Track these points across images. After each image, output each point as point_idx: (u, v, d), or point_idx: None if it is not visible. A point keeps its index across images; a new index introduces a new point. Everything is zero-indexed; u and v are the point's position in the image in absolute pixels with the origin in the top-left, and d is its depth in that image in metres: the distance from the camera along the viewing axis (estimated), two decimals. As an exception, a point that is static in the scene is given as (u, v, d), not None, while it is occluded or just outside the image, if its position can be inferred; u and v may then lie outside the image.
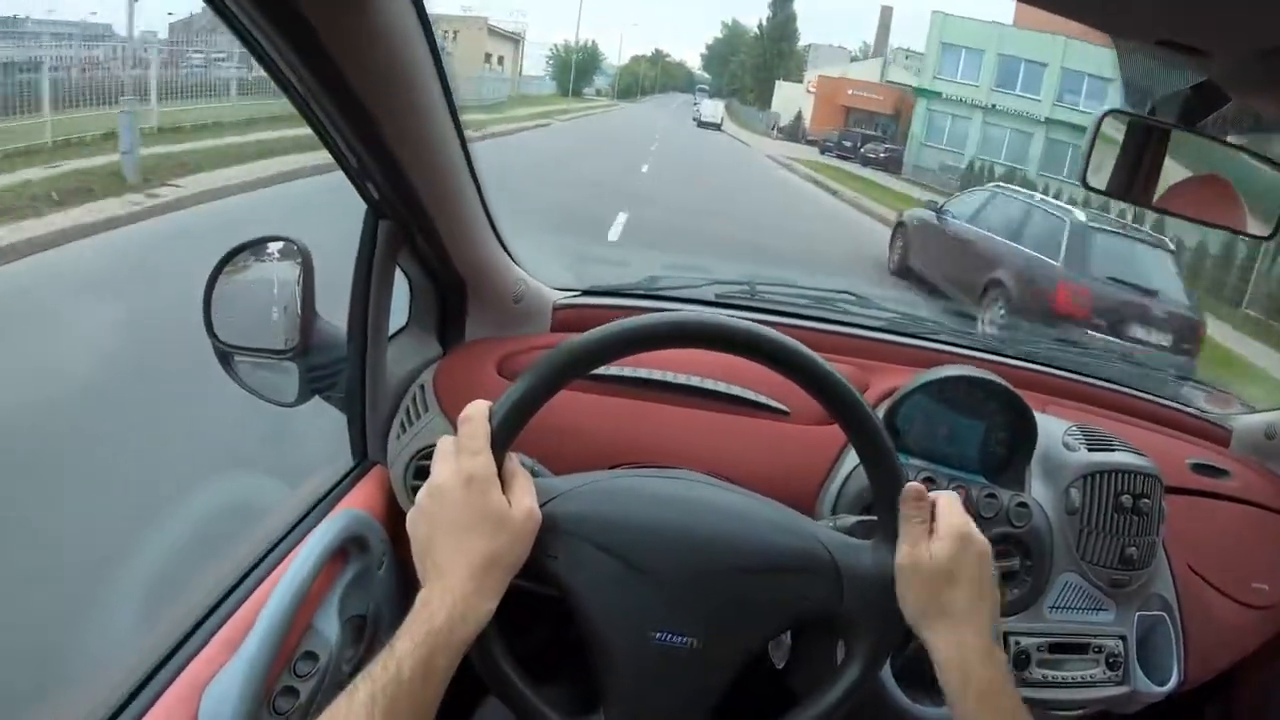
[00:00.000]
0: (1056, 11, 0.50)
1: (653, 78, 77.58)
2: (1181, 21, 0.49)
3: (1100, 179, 0.77)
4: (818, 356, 0.61)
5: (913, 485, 0.61)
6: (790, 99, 37.54)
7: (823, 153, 25.94)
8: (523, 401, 0.59)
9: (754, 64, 51.96)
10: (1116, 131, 0.76)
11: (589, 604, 0.59)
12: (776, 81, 43.82)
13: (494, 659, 0.58)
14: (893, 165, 23.01)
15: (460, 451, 0.57)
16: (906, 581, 0.59)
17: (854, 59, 43.28)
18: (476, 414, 0.58)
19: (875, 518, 0.63)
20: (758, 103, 45.16)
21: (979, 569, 0.59)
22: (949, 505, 0.61)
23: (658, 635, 0.58)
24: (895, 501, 0.61)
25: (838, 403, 0.62)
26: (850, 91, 32.01)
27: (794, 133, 33.16)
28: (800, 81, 41.13)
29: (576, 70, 47.74)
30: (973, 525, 0.60)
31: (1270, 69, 0.52)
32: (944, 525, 0.60)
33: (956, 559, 0.59)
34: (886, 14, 40.75)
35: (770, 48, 51.31)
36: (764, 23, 53.09)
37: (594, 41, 50.68)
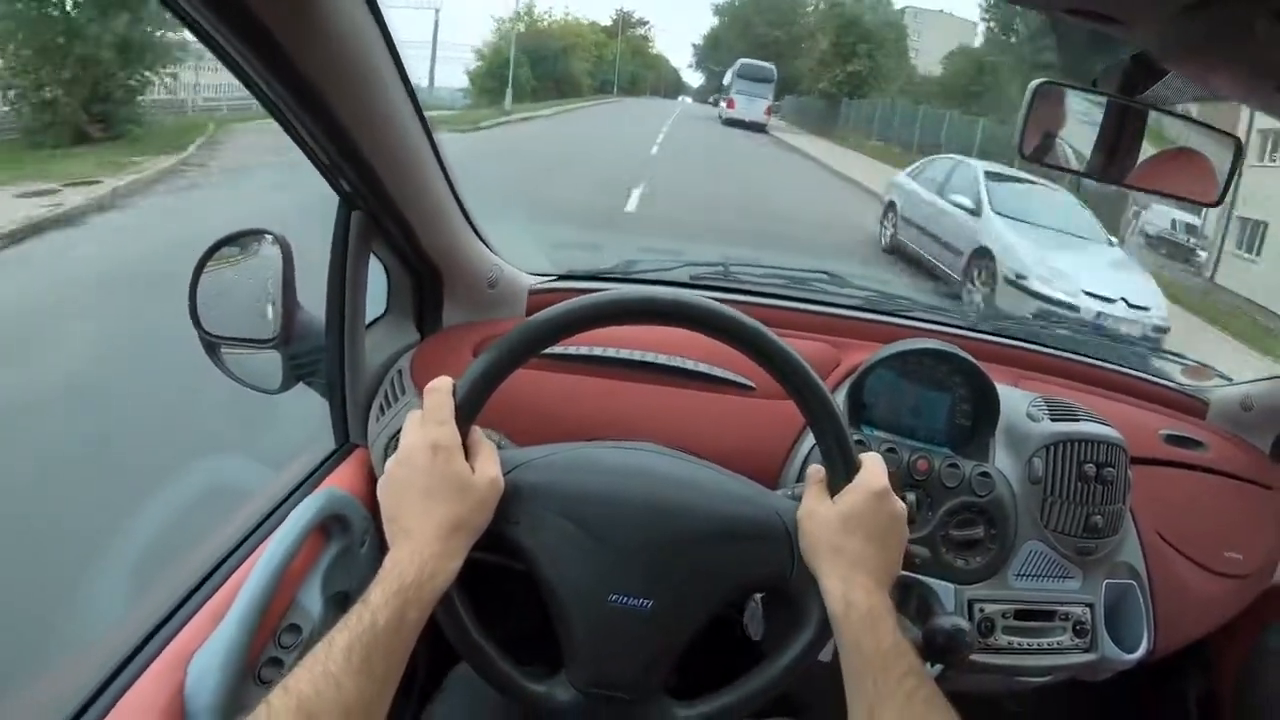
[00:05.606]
0: None
1: (608, 62, 36.96)
2: None
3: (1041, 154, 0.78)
4: (766, 329, 0.63)
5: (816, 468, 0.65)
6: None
7: None
8: (485, 376, 0.62)
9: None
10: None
11: (548, 567, 0.62)
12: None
13: (461, 623, 0.61)
14: None
15: (426, 422, 0.60)
16: (803, 529, 0.63)
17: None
18: (442, 387, 0.61)
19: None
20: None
21: (885, 525, 0.62)
22: (871, 464, 0.64)
23: (614, 597, 0.61)
24: (842, 462, 0.63)
25: (784, 370, 0.64)
26: None
27: None
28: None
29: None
30: (889, 488, 0.63)
31: (1192, 31, 0.52)
32: (858, 479, 0.63)
33: (859, 510, 0.62)
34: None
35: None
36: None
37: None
